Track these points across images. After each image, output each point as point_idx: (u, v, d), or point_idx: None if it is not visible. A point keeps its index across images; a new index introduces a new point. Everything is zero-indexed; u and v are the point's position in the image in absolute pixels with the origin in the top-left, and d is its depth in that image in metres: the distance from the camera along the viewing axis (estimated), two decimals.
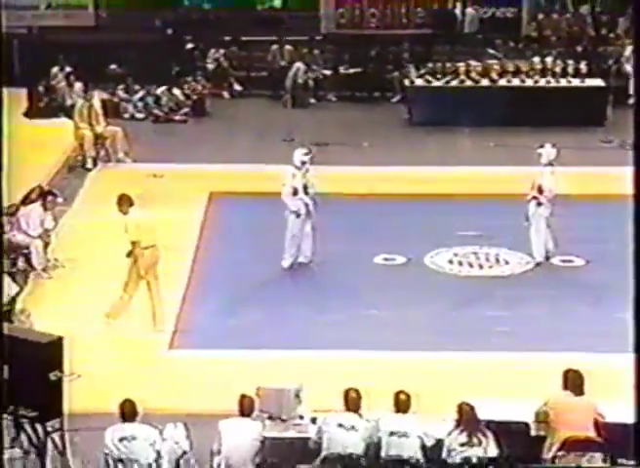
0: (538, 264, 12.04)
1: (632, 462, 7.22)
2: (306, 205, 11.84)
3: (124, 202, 10.64)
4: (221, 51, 19.11)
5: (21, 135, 16.23)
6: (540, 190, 11.87)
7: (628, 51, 18.45)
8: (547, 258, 12.09)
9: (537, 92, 17.23)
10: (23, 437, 7.62)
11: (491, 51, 18.24)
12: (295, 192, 11.78)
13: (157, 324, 10.53)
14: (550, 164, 12.02)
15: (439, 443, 7.73)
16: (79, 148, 15.35)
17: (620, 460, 7.68)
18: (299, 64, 18.66)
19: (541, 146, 12.14)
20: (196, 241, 12.73)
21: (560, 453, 7.72)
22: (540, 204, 11.88)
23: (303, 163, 11.89)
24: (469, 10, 19.60)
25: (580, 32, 19.40)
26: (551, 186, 11.88)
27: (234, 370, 9.46)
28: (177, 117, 17.78)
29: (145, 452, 7.56)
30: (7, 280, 10.31)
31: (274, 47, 19.19)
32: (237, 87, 19.00)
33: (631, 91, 18.19)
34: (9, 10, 19.21)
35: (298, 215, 11.77)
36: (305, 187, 11.85)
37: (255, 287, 11.52)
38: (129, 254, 10.47)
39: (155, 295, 10.55)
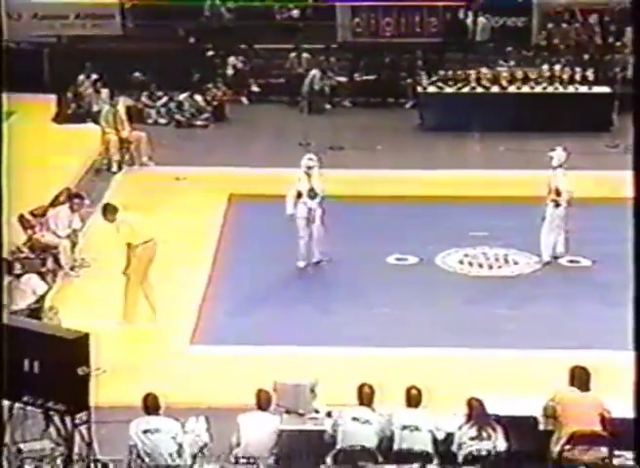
0: (546, 264, 12.01)
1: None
2: (309, 209, 11.82)
3: (109, 211, 10.75)
4: (241, 58, 19.15)
5: (51, 139, 16.43)
6: (558, 192, 11.82)
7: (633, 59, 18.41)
8: (556, 258, 12.06)
9: (545, 98, 17.18)
10: (52, 429, 7.65)
11: (502, 62, 18.21)
12: (299, 195, 11.78)
13: (154, 312, 10.55)
14: (560, 166, 11.97)
15: (449, 436, 7.73)
16: (105, 152, 15.41)
17: (623, 452, 7.65)
18: (315, 71, 18.67)
19: (553, 150, 12.10)
20: (216, 241, 12.76)
21: (567, 447, 7.70)
22: (558, 205, 11.82)
23: (309, 167, 11.86)
24: (481, 19, 19.56)
25: (588, 41, 19.33)
26: (568, 188, 11.82)
27: (252, 366, 9.49)
28: (198, 122, 17.82)
29: (168, 444, 7.59)
30: (36, 278, 10.36)
31: (292, 55, 19.21)
32: (256, 90, 19.02)
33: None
34: (39, 19, 19.46)
35: (294, 219, 11.71)
36: (312, 191, 11.83)
37: (272, 285, 11.56)
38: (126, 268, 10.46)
39: (147, 287, 10.57)
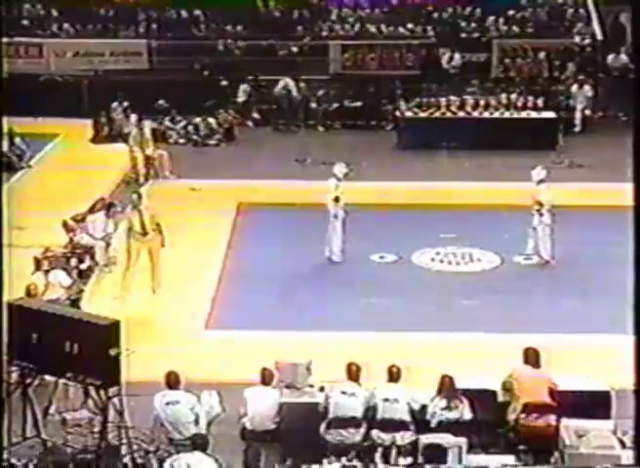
0: (547, 262, 11.76)
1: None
2: (345, 210, 11.72)
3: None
4: (248, 88, 19.12)
5: (88, 157, 16.38)
6: (541, 204, 11.70)
7: (575, 89, 18.48)
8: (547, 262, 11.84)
9: (503, 122, 17.15)
10: (90, 401, 7.62)
11: (470, 90, 18.26)
12: (337, 200, 11.64)
13: (156, 287, 10.66)
14: (542, 181, 11.82)
15: (424, 407, 7.69)
16: (133, 168, 15.35)
17: (568, 420, 7.62)
18: (311, 99, 18.65)
19: (533, 168, 11.98)
20: (227, 243, 12.69)
21: (522, 416, 7.69)
22: (542, 214, 11.70)
23: (345, 175, 11.70)
24: (452, 55, 19.55)
25: (538, 74, 19.38)
26: (547, 198, 11.67)
27: (257, 347, 9.41)
28: (211, 142, 17.75)
29: (186, 414, 7.56)
30: (62, 273, 10.28)
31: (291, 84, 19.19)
32: (260, 115, 18.98)
33: (577, 121, 18.28)
34: (80, 56, 19.43)
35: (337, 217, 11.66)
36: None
37: (274, 280, 11.48)
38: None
39: (156, 263, 10.72)
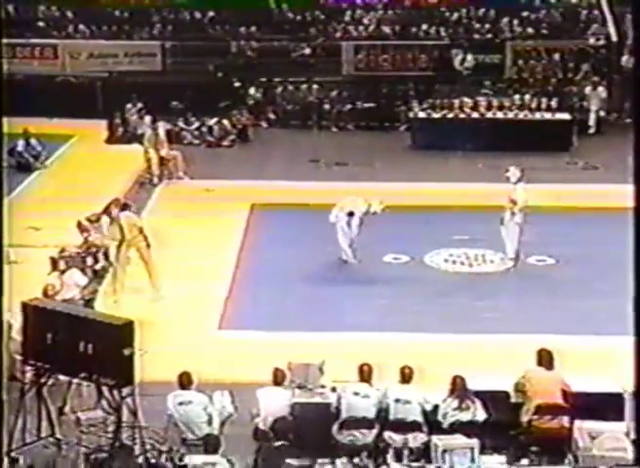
0: (512, 260, 11.84)
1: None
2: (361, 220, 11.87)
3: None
4: (262, 89, 19.15)
5: (103, 157, 16.46)
6: (514, 202, 11.73)
7: (589, 90, 18.40)
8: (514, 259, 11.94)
9: (516, 123, 17.12)
10: (104, 401, 7.65)
11: (484, 91, 18.23)
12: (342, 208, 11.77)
13: (155, 288, 10.72)
14: (520, 181, 11.85)
15: (436, 408, 7.67)
16: (147, 168, 15.41)
17: (581, 422, 7.59)
18: (324, 100, 18.66)
19: (507, 170, 12.00)
20: (240, 243, 12.71)
21: (535, 417, 7.66)
22: (514, 213, 11.73)
23: (375, 213, 11.79)
24: (467, 56, 19.51)
25: (552, 75, 19.32)
26: (523, 198, 11.68)
27: (270, 348, 9.40)
28: (225, 143, 17.79)
29: (199, 414, 7.57)
30: (78, 273, 10.33)
31: (304, 86, 19.19)
32: (273, 116, 19.02)
33: (591, 122, 18.22)
34: (94, 58, 19.53)
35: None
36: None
37: (287, 281, 11.49)
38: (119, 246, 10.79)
39: (150, 265, 10.79)
